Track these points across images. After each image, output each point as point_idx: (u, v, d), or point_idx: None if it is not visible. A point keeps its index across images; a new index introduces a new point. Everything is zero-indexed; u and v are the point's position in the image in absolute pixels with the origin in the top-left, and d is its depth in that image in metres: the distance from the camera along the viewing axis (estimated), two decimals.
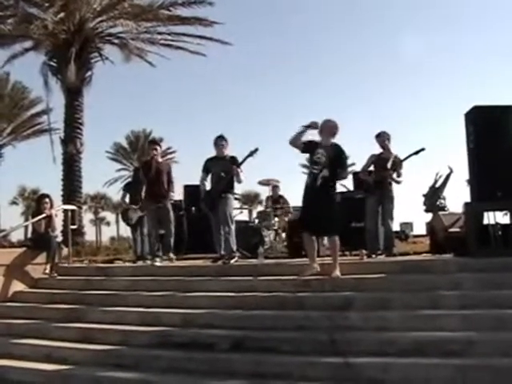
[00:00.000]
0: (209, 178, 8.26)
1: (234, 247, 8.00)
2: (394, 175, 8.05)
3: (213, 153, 8.33)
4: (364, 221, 8.32)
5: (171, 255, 8.67)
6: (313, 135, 6.73)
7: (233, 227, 8.01)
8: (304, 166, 31.44)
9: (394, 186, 8.12)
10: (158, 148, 8.91)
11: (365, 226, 8.24)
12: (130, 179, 11.79)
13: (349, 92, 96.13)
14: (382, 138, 8.18)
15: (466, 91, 75.41)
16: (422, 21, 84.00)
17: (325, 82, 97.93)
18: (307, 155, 6.76)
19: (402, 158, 8.07)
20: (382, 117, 72.77)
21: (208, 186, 8.29)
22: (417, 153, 7.96)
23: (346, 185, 10.35)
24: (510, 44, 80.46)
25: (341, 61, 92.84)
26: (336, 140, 6.64)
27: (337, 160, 6.50)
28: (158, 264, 8.22)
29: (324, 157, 6.49)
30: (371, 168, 8.29)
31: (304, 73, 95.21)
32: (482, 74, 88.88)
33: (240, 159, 8.10)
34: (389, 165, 7.93)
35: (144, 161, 9.25)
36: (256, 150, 8.03)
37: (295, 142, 6.65)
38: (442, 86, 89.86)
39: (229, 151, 8.29)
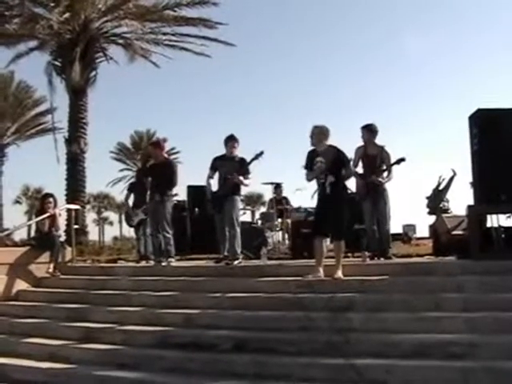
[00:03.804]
0: (216, 176, 8.15)
1: (239, 250, 7.94)
2: (384, 174, 7.87)
3: (218, 152, 8.24)
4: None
5: (170, 259, 8.35)
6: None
7: (238, 230, 7.95)
8: None
9: (388, 184, 7.95)
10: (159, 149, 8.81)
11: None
12: (133, 179, 11.81)
13: (350, 90, 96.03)
14: (363, 133, 7.97)
15: (468, 91, 75.37)
16: (423, 21, 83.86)
17: (326, 81, 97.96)
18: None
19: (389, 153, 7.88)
20: (384, 116, 72.83)
21: (214, 186, 8.17)
22: (397, 163, 7.81)
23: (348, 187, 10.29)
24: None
25: (342, 59, 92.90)
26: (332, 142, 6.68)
27: (338, 160, 6.51)
28: (163, 264, 8.22)
29: (324, 163, 6.47)
30: (360, 169, 8.06)
31: (307, 72, 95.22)
32: (485, 74, 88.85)
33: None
34: (377, 162, 7.81)
35: (149, 165, 9.03)
36: (261, 153, 7.96)
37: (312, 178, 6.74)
38: (444, 86, 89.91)
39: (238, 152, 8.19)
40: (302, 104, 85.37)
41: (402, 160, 7.81)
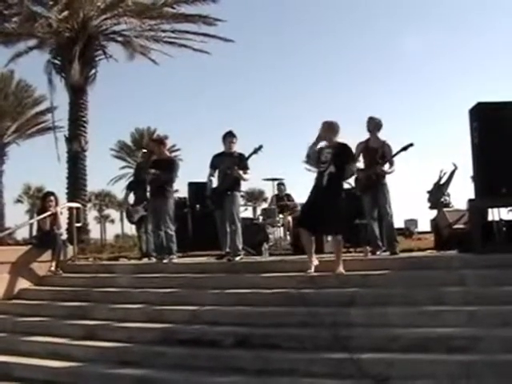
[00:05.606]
0: (216, 174, 8.16)
1: (240, 246, 7.95)
2: (386, 167, 7.77)
3: (218, 149, 8.26)
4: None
5: (172, 256, 8.32)
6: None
7: (239, 225, 7.96)
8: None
9: (388, 177, 7.87)
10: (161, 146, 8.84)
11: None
12: (132, 178, 11.79)
13: (350, 90, 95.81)
14: (369, 122, 7.92)
15: (467, 90, 75.08)
16: (422, 21, 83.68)
17: (327, 79, 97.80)
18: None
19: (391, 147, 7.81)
20: (383, 114, 72.25)
21: (215, 182, 8.19)
22: (405, 149, 7.67)
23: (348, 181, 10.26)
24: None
25: (342, 58, 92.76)
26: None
27: (343, 155, 6.49)
28: (165, 261, 8.21)
29: (330, 154, 6.50)
30: (361, 163, 7.93)
31: (307, 72, 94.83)
32: (484, 74, 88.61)
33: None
34: (378, 155, 7.75)
35: (152, 160, 9.06)
36: (260, 147, 7.97)
37: (310, 161, 6.69)
38: (443, 84, 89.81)
39: (236, 148, 8.21)
40: (302, 103, 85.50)
41: (410, 145, 7.68)
